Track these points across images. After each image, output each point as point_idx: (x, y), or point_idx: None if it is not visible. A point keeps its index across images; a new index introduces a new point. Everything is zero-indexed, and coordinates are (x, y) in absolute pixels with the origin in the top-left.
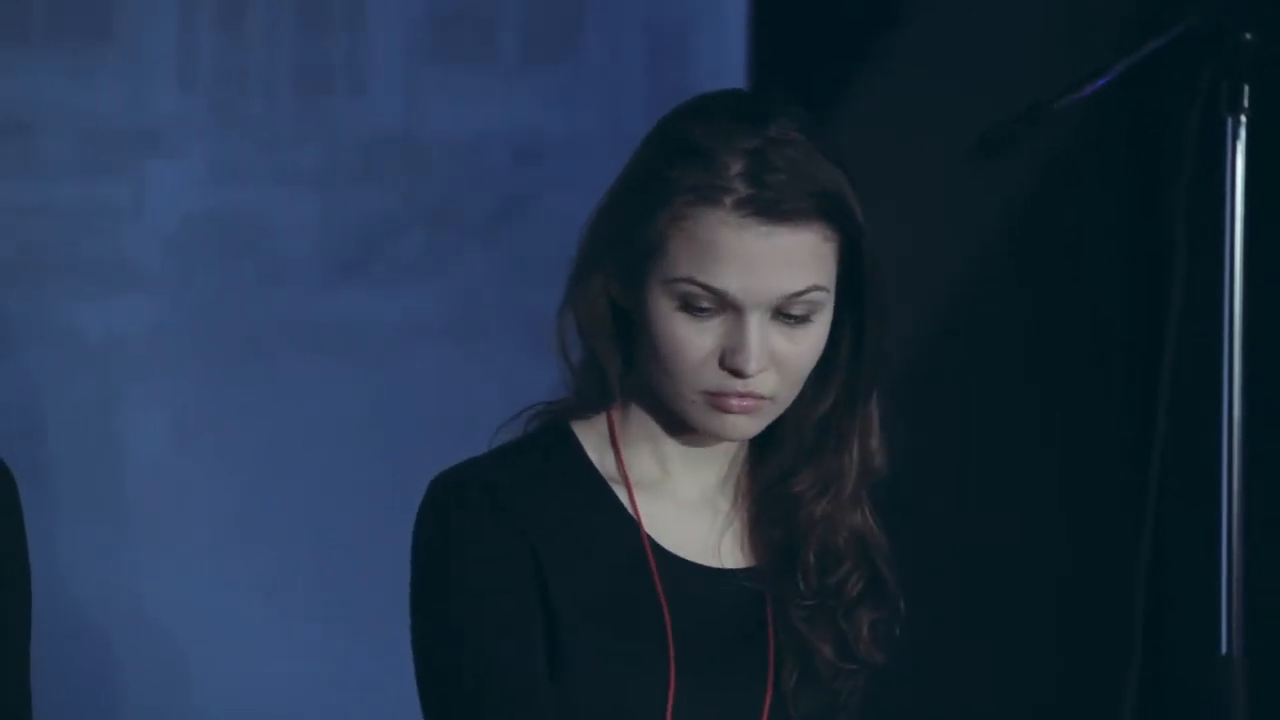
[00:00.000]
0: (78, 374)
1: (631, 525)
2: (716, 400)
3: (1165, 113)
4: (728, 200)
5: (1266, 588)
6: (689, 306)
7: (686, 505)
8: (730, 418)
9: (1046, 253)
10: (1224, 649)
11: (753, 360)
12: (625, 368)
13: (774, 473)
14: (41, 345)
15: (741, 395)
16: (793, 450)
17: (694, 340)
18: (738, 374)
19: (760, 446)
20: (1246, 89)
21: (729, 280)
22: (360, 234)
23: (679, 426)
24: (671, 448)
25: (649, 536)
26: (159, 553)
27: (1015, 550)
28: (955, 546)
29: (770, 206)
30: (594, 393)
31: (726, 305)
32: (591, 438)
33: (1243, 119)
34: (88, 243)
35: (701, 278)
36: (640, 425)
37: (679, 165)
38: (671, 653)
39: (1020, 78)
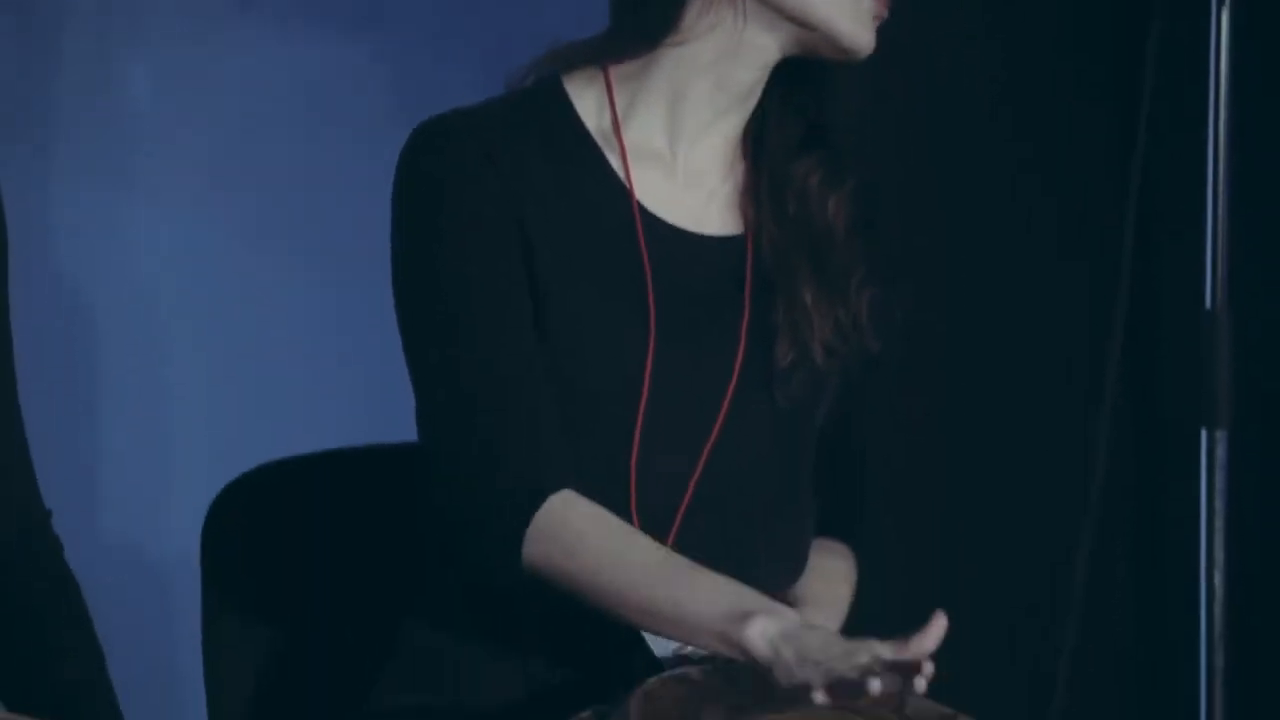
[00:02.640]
0: (67, 34)
1: (619, 186)
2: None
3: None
4: None
5: (1253, 243)
6: None
7: (680, 172)
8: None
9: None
10: (1208, 304)
11: None
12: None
13: (777, 152)
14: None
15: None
16: (797, 132)
17: None
18: None
19: (760, 128)
20: None
21: None
22: None
23: (703, 93)
24: (687, 114)
25: (636, 198)
26: (146, 204)
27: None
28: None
29: None
30: (646, 27)
31: None
32: (589, 95)
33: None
34: None
35: None
36: (660, 88)
37: None
38: (652, 313)
39: None
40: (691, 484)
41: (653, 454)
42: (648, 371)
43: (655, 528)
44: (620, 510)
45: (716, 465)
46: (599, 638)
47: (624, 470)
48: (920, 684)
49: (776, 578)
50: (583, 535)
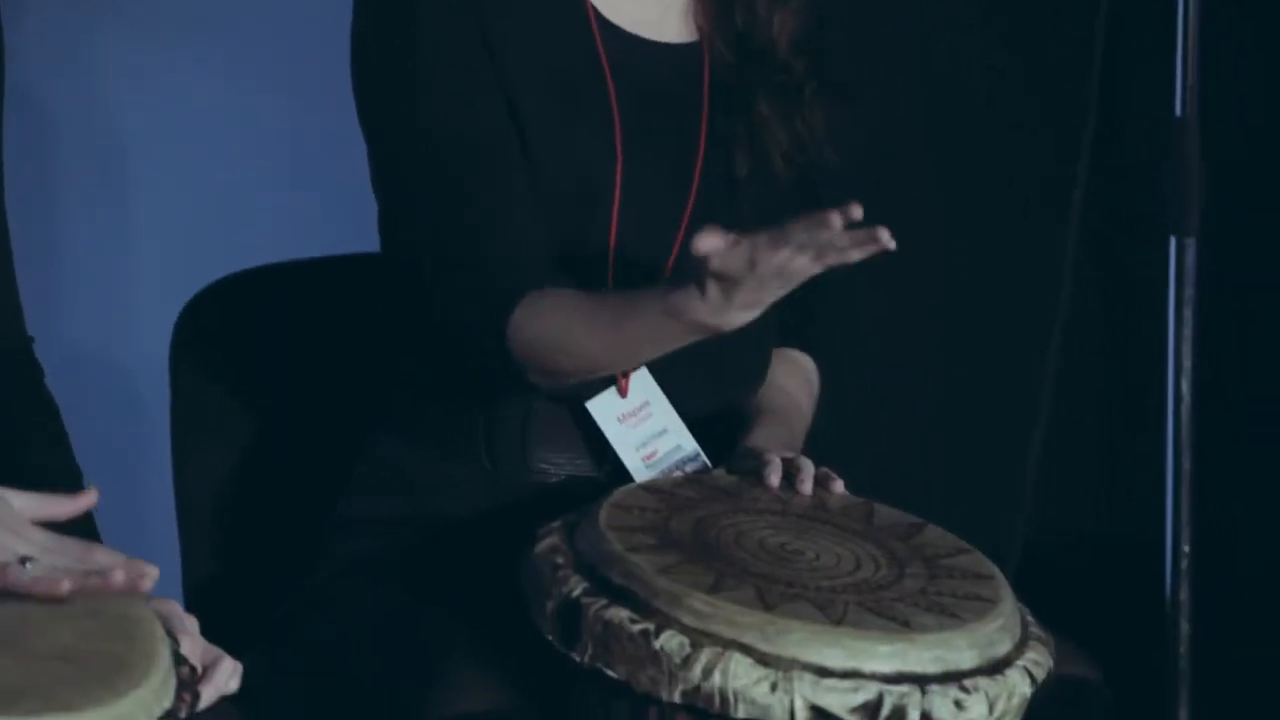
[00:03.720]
0: None
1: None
2: None
3: None
4: None
5: (1223, 49)
6: None
7: None
8: None
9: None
10: (1178, 111)
11: None
12: None
13: None
14: None
15: None
16: None
17: None
18: None
19: None
20: None
21: None
22: None
23: None
24: None
25: (593, 8)
26: (110, 15)
27: None
28: None
29: None
30: None
31: None
32: None
33: None
34: None
35: None
36: None
37: None
38: (616, 119)
39: None
40: None
41: (625, 260)
42: (618, 178)
43: None
44: None
45: (682, 270)
46: (568, 449)
47: (600, 277)
48: (885, 239)
49: (739, 384)
50: (569, 299)
